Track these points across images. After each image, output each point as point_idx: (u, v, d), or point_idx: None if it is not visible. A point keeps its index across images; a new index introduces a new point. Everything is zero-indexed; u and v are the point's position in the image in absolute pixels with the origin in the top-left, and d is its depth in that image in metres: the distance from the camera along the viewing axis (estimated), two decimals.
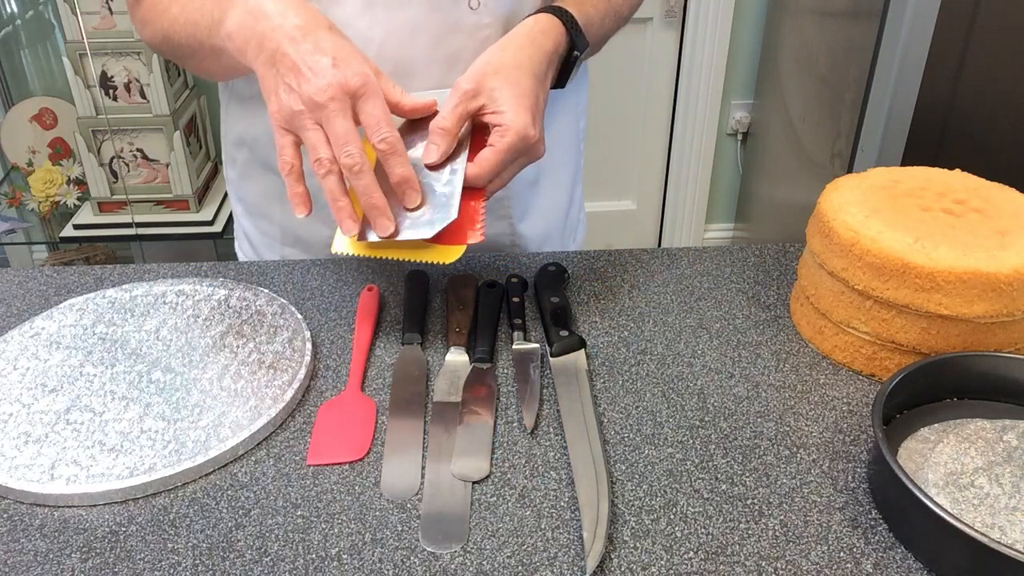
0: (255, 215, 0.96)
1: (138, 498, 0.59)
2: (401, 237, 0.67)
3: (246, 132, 0.90)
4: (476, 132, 0.72)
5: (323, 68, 0.64)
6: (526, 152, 0.71)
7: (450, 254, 0.68)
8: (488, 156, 0.69)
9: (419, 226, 0.67)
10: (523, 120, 0.69)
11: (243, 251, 1.02)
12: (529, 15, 0.78)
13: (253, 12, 0.67)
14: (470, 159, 0.70)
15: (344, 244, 0.69)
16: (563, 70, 0.79)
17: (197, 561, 0.55)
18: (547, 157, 0.94)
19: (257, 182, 0.93)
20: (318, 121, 0.64)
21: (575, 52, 0.78)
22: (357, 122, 0.65)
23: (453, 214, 0.66)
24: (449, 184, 0.69)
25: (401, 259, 0.69)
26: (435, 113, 0.72)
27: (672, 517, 0.58)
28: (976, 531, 0.50)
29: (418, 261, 0.69)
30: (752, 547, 0.55)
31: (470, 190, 0.70)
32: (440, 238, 0.67)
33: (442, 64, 0.79)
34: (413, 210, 0.68)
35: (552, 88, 0.79)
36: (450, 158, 0.70)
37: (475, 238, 0.68)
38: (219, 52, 0.73)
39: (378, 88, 0.65)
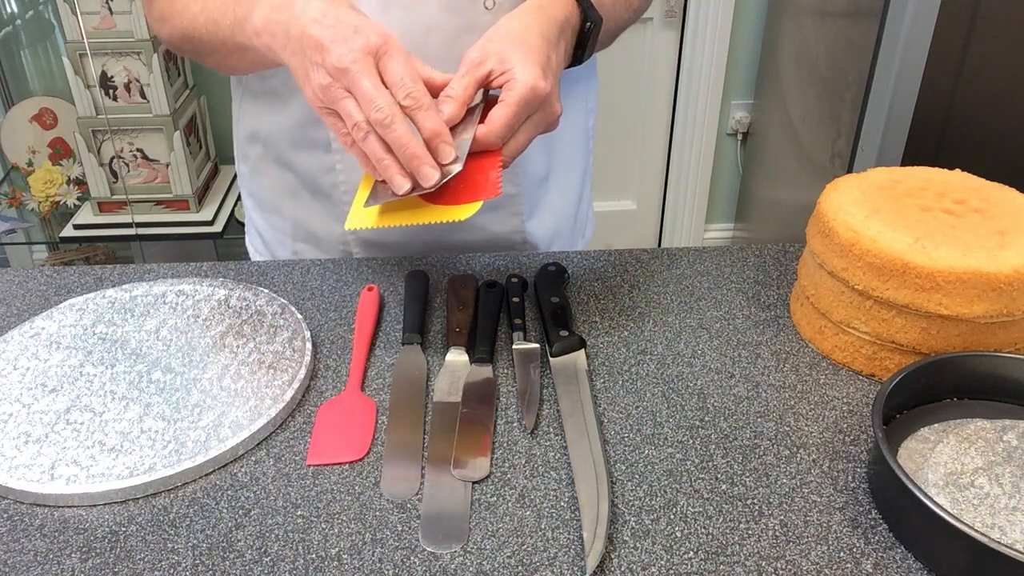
0: (267, 211, 0.96)
1: (138, 498, 0.59)
2: (403, 193, 0.66)
3: (260, 127, 0.90)
4: (491, 104, 0.71)
5: (344, 36, 0.64)
6: (539, 107, 0.68)
7: (464, 212, 0.66)
8: (499, 112, 0.67)
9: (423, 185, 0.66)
10: (532, 73, 0.67)
11: (254, 247, 1.02)
12: None
13: (278, 6, 0.68)
14: None
15: (359, 219, 0.68)
16: (578, 46, 0.78)
17: (197, 561, 0.55)
18: (557, 155, 0.94)
19: (270, 177, 0.93)
20: (347, 88, 0.64)
21: (588, 24, 0.77)
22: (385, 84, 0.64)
23: (458, 168, 0.65)
24: (458, 148, 0.67)
25: (417, 223, 0.67)
26: None
27: (672, 517, 0.58)
28: (976, 531, 0.50)
29: (434, 222, 0.67)
30: (752, 547, 0.55)
31: (485, 152, 0.68)
32: (455, 198, 0.66)
33: (457, 64, 0.79)
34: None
35: (569, 66, 0.77)
36: (461, 125, 0.69)
37: (491, 193, 0.66)
38: (244, 49, 0.73)
39: (400, 47, 0.65)
